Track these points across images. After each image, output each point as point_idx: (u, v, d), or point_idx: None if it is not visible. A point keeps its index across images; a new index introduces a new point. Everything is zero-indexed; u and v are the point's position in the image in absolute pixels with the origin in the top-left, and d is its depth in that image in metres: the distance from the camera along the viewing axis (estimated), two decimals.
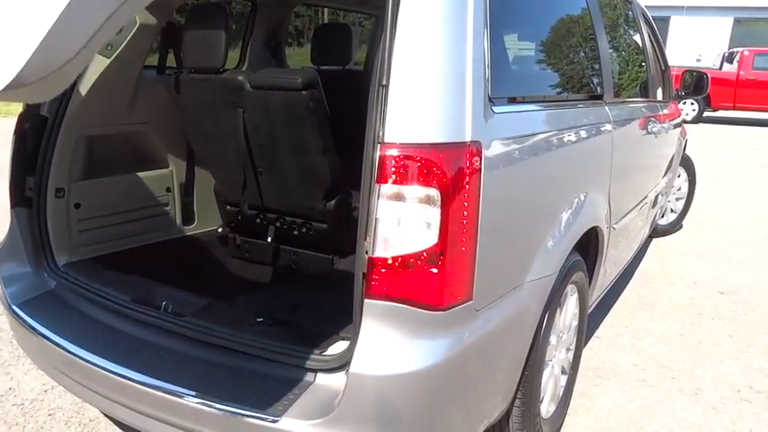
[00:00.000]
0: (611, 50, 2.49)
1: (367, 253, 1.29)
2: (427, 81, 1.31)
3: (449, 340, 1.35)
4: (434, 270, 1.30)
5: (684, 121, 4.69)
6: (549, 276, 1.74)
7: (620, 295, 3.46)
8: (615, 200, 2.40)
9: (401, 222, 1.29)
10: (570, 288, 2.07)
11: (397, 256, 1.29)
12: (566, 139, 1.84)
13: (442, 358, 1.33)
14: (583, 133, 1.99)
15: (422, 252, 1.29)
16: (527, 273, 1.64)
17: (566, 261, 1.85)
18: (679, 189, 4.66)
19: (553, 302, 1.82)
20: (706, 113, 13.90)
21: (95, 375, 1.60)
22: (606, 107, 2.29)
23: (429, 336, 1.32)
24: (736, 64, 13.47)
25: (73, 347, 1.67)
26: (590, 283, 2.34)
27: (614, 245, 2.55)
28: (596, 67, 2.28)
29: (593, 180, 2.12)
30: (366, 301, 1.30)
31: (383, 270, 1.29)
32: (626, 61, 2.89)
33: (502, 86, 1.53)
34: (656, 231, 4.54)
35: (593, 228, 2.11)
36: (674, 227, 4.74)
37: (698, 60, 19.13)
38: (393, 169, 1.29)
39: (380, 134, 1.29)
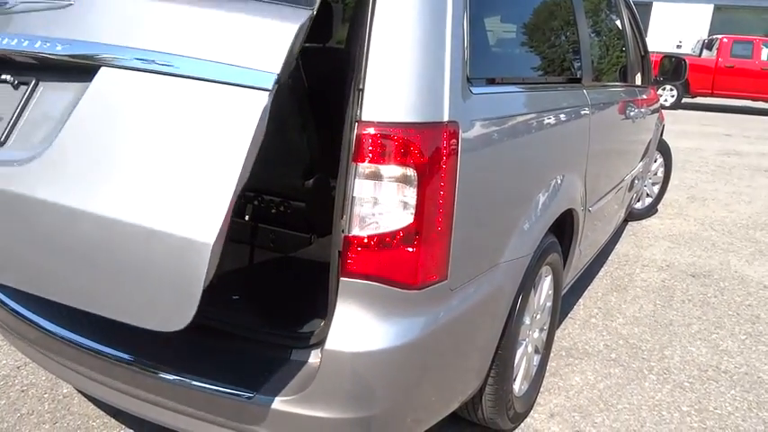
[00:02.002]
0: (590, 34, 2.50)
1: (343, 232, 1.30)
2: (405, 61, 1.30)
3: (423, 319, 1.36)
4: (410, 249, 1.31)
5: (663, 107, 4.74)
6: (524, 257, 1.76)
7: (594, 277, 3.52)
8: (591, 183, 2.43)
9: (377, 201, 1.30)
10: (545, 269, 2.10)
11: (373, 235, 1.30)
12: (543, 122, 1.85)
13: (416, 336, 1.34)
14: (561, 116, 2.00)
15: (398, 231, 1.30)
16: (502, 253, 1.66)
17: (541, 242, 1.88)
18: (655, 174, 4.73)
19: (528, 283, 1.84)
20: (685, 100, 14.07)
21: (68, 351, 1.59)
22: (584, 90, 2.30)
23: (404, 314, 1.34)
24: (714, 51, 13.62)
25: (45, 323, 1.66)
26: (565, 264, 2.38)
27: (590, 227, 2.59)
28: (575, 50, 2.29)
29: (569, 163, 2.14)
30: (342, 279, 1.31)
31: (359, 249, 1.30)
32: (605, 45, 2.90)
33: (481, 67, 1.53)
34: (632, 215, 4.61)
35: (569, 210, 2.14)
36: (650, 211, 4.82)
37: (678, 47, 19.30)
38: (370, 148, 1.29)
39: (358, 113, 1.29)
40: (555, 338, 2.55)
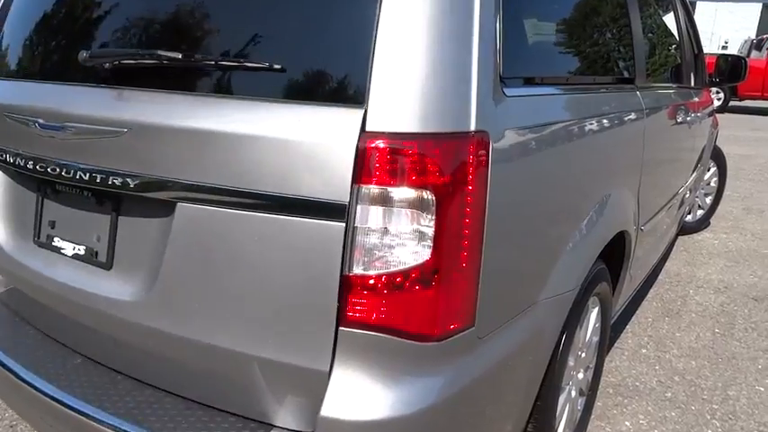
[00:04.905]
0: (644, 29, 2.19)
1: (343, 271, 1.04)
2: (422, 55, 1.04)
3: (443, 378, 1.09)
4: (427, 292, 1.04)
5: None
6: (570, 292, 1.47)
7: (643, 300, 3.18)
8: (645, 198, 2.12)
9: (386, 232, 1.03)
10: (592, 300, 1.80)
11: (381, 275, 1.03)
12: (592, 129, 1.56)
13: (434, 401, 1.07)
14: (612, 122, 1.71)
15: (411, 270, 1.03)
16: (543, 289, 1.37)
17: (589, 272, 1.59)
18: (708, 184, 4.35)
19: (573, 320, 1.55)
20: (732, 103, 13.42)
21: (54, 411, 1.34)
22: (638, 92, 2.00)
23: (419, 372, 1.07)
24: (764, 51, 12.94)
25: (24, 373, 1.43)
26: (614, 292, 2.07)
27: (641, 248, 2.27)
28: (628, 46, 1.99)
29: (622, 176, 1.84)
30: (341, 329, 1.05)
31: (363, 292, 1.04)
32: (660, 42, 2.58)
33: (517, 64, 1.26)
34: (683, 229, 4.24)
35: (621, 232, 1.84)
36: (702, 224, 4.43)
37: (724, 47, 18.54)
38: (377, 165, 1.03)
39: (361, 121, 1.03)
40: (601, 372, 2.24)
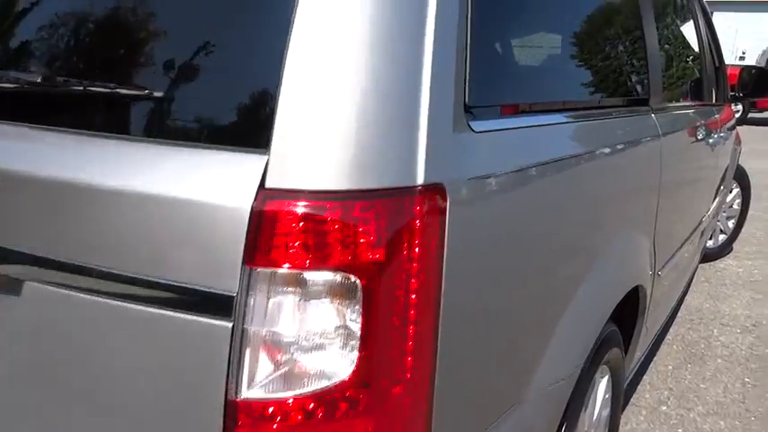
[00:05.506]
0: (660, 41, 1.87)
1: (227, 394, 0.72)
2: (349, 80, 0.74)
3: None
4: (355, 421, 0.72)
5: None
6: (569, 379, 1.15)
7: (661, 342, 2.82)
8: (662, 239, 1.78)
9: (292, 336, 0.72)
10: (600, 370, 1.47)
11: (284, 399, 0.72)
12: (596, 167, 1.24)
13: None
14: (622, 155, 1.39)
15: (331, 388, 0.72)
16: (531, 383, 1.05)
17: (594, 345, 1.26)
18: (731, 206, 3.99)
19: (576, 405, 1.23)
20: (751, 114, 12.98)
21: None
22: (653, 115, 1.67)
23: None
24: None
25: None
26: (626, 351, 1.73)
27: (659, 292, 1.93)
28: (641, 60, 1.67)
29: (633, 219, 1.52)
30: None
31: (258, 424, 0.72)
32: (678, 55, 2.26)
33: (490, 88, 0.95)
34: (704, 256, 3.87)
35: (635, 287, 1.51)
36: (724, 250, 4.06)
37: (741, 58, 18.12)
38: (280, 237, 0.72)
39: (258, 174, 0.73)
40: None
